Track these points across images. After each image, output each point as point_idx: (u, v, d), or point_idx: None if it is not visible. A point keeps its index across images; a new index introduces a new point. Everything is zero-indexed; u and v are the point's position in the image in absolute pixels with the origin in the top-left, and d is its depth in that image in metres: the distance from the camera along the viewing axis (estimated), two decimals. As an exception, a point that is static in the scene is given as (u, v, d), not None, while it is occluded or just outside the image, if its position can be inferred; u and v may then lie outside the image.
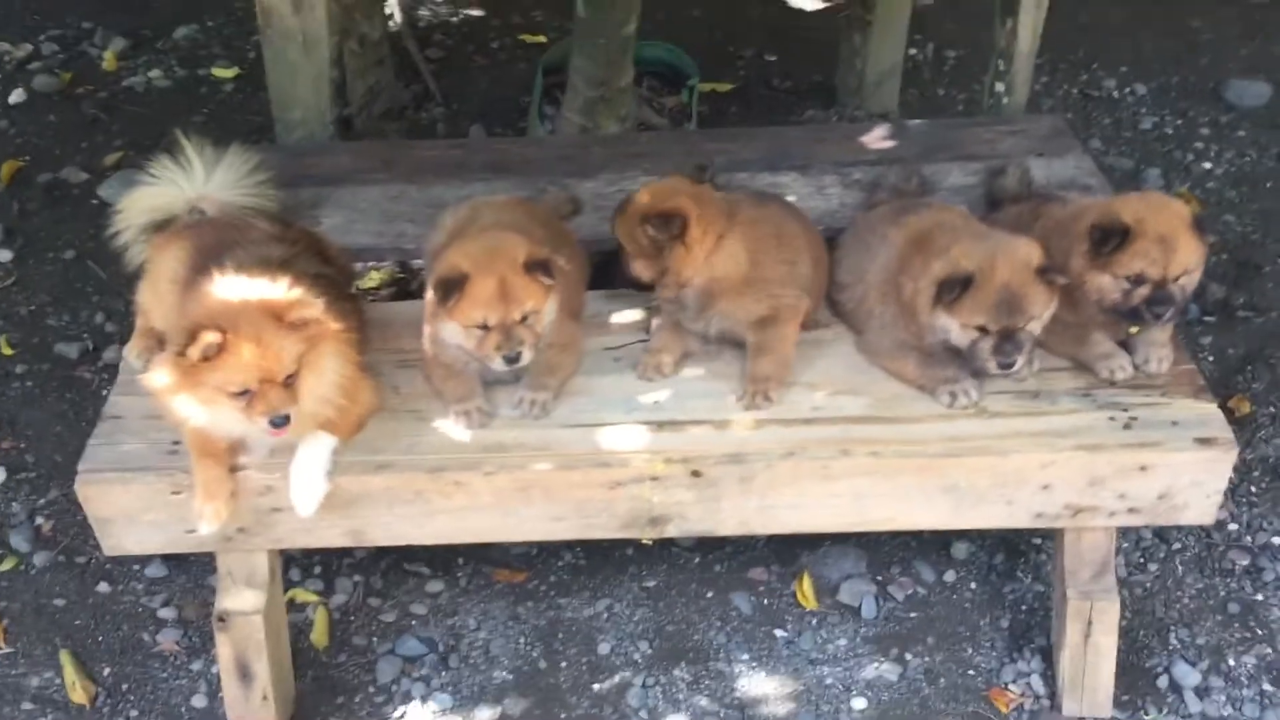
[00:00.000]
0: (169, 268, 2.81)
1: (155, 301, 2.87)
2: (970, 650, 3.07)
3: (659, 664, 3.05)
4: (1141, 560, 3.28)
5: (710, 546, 3.30)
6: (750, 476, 2.68)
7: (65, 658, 3.05)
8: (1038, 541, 3.30)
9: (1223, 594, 3.20)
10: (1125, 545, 3.28)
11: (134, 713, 2.96)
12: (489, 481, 2.67)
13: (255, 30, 4.16)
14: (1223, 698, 2.97)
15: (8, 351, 3.87)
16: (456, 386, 2.76)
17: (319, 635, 3.10)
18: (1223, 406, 2.80)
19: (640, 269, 2.88)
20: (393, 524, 2.73)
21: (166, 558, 3.24)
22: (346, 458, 2.65)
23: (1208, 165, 4.63)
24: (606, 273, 3.13)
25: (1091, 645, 2.84)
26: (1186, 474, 2.69)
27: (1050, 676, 2.98)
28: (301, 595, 3.18)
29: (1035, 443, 2.68)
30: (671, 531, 2.78)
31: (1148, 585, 3.22)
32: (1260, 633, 3.11)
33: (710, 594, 3.21)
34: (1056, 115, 4.18)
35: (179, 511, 2.65)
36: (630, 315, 3.04)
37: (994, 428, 2.72)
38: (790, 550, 3.28)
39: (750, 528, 2.82)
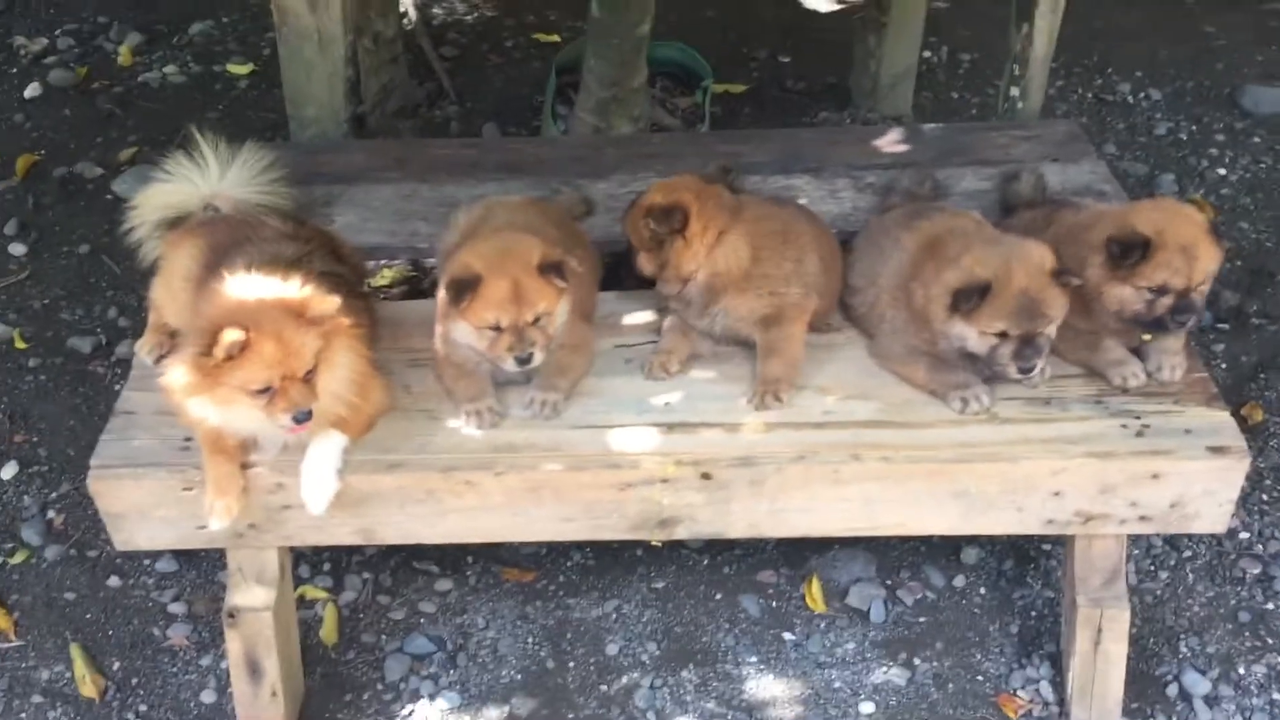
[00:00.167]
0: (183, 265, 2.82)
1: (168, 298, 2.88)
2: (979, 656, 3.07)
3: (667, 665, 3.05)
4: (1152, 568, 3.27)
5: (719, 549, 3.30)
6: (761, 480, 2.68)
7: (75, 651, 3.06)
8: (1047, 547, 3.29)
9: (1233, 602, 3.19)
10: (1136, 552, 3.27)
11: (143, 707, 2.97)
12: (500, 481, 2.67)
13: (270, 27, 4.17)
14: (1233, 706, 2.96)
15: (21, 345, 3.89)
16: (468, 386, 2.76)
17: (328, 632, 3.11)
18: (1235, 414, 2.80)
19: (643, 262, 2.91)
20: (403, 523, 2.73)
21: (177, 553, 3.25)
22: (358, 456, 2.66)
23: (1222, 171, 4.61)
24: (618, 274, 3.13)
25: (1101, 652, 2.83)
26: (1199, 482, 2.68)
27: (1059, 683, 2.98)
28: (311, 592, 3.18)
29: (1046, 449, 2.68)
30: (681, 533, 2.78)
31: (1158, 593, 3.21)
32: (1271, 641, 3.10)
33: (719, 596, 3.21)
34: (1071, 120, 4.17)
35: (190, 507, 2.66)
36: (642, 316, 3.04)
37: (1005, 434, 2.71)
38: (799, 553, 3.28)
39: (760, 531, 2.82)
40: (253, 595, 2.77)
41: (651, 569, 3.26)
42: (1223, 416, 2.74)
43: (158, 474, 2.65)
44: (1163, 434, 2.70)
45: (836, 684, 3.01)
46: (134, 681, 3.02)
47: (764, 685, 3.01)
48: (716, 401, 2.79)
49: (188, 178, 3.03)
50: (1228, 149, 4.72)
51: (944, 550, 3.29)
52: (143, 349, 2.93)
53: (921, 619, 3.15)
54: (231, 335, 2.35)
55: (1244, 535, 3.34)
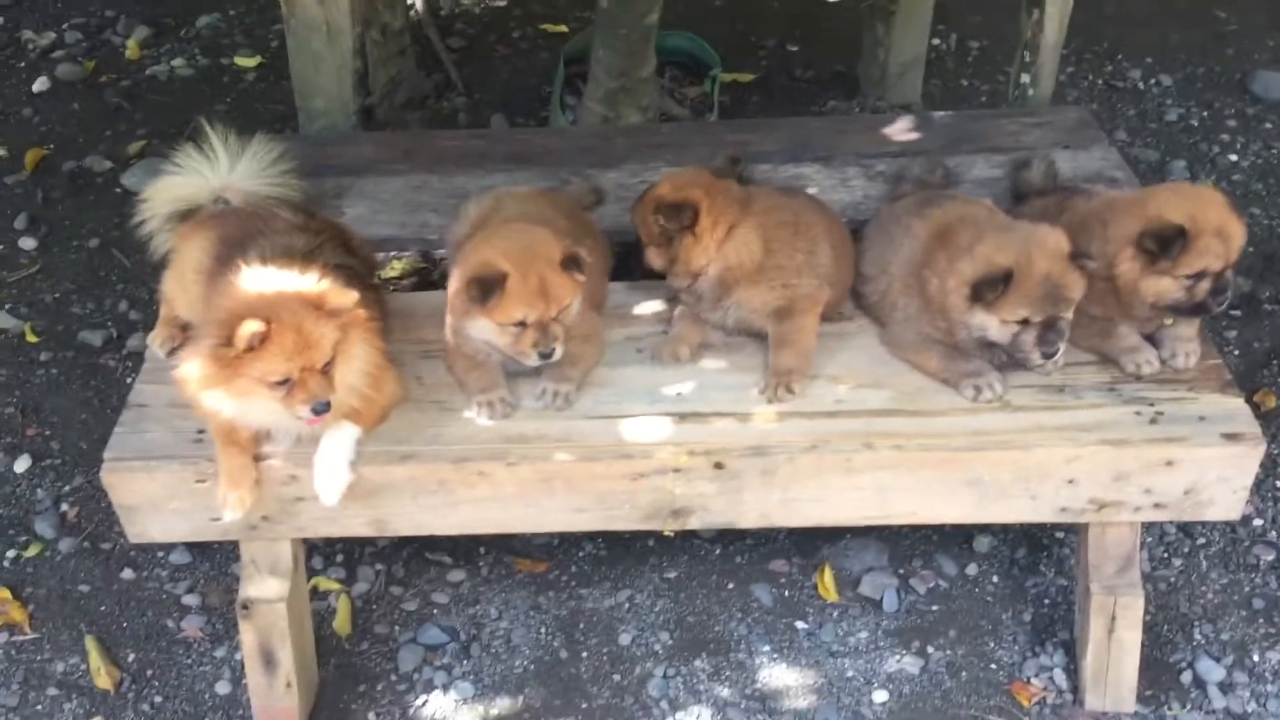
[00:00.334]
0: (194, 257, 2.82)
1: (180, 291, 2.88)
2: (992, 644, 3.06)
3: (680, 655, 3.05)
4: (1166, 555, 3.26)
5: (731, 538, 3.30)
6: (773, 469, 2.68)
7: (90, 643, 3.08)
8: (1060, 535, 3.29)
9: (1247, 589, 3.18)
10: (1149, 540, 3.27)
11: (158, 698, 2.98)
12: (512, 472, 2.67)
13: (277, 19, 4.17)
14: (1247, 693, 2.95)
15: (32, 339, 3.90)
16: (479, 377, 2.76)
17: (341, 623, 3.12)
18: (1248, 401, 2.78)
19: (653, 257, 2.91)
20: (416, 514, 2.73)
21: (190, 545, 3.26)
22: (370, 447, 2.66)
23: (1233, 158, 4.59)
24: (628, 264, 3.13)
25: (1115, 640, 2.82)
26: (1213, 469, 2.67)
27: (1073, 671, 2.97)
28: (324, 584, 3.19)
29: (1060, 437, 2.67)
30: (693, 523, 2.78)
31: (1172, 580, 3.21)
32: (1285, 629, 3.10)
33: (731, 585, 3.21)
34: (1082, 107, 4.15)
35: (203, 499, 2.66)
36: (653, 306, 3.03)
37: (1018, 421, 2.70)
38: (811, 542, 3.28)
39: (772, 520, 2.82)
40: (267, 587, 2.77)
41: (664, 559, 3.26)
42: (1237, 403, 2.73)
43: (171, 466, 2.66)
44: (1177, 421, 2.69)
45: (849, 673, 3.01)
46: (149, 673, 3.04)
47: (777, 674, 3.01)
48: (728, 391, 2.79)
49: (198, 170, 3.03)
50: (1239, 135, 4.70)
51: (956, 539, 3.28)
52: (155, 341, 2.93)
53: (934, 607, 3.15)
54: (252, 326, 2.34)
55: (1258, 522, 3.33)
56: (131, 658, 3.07)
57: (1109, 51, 5.13)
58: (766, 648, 3.06)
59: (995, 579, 3.21)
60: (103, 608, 3.18)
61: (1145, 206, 2.73)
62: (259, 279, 2.48)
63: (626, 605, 3.16)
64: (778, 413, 2.73)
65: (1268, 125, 4.74)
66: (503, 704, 2.96)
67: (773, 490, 2.71)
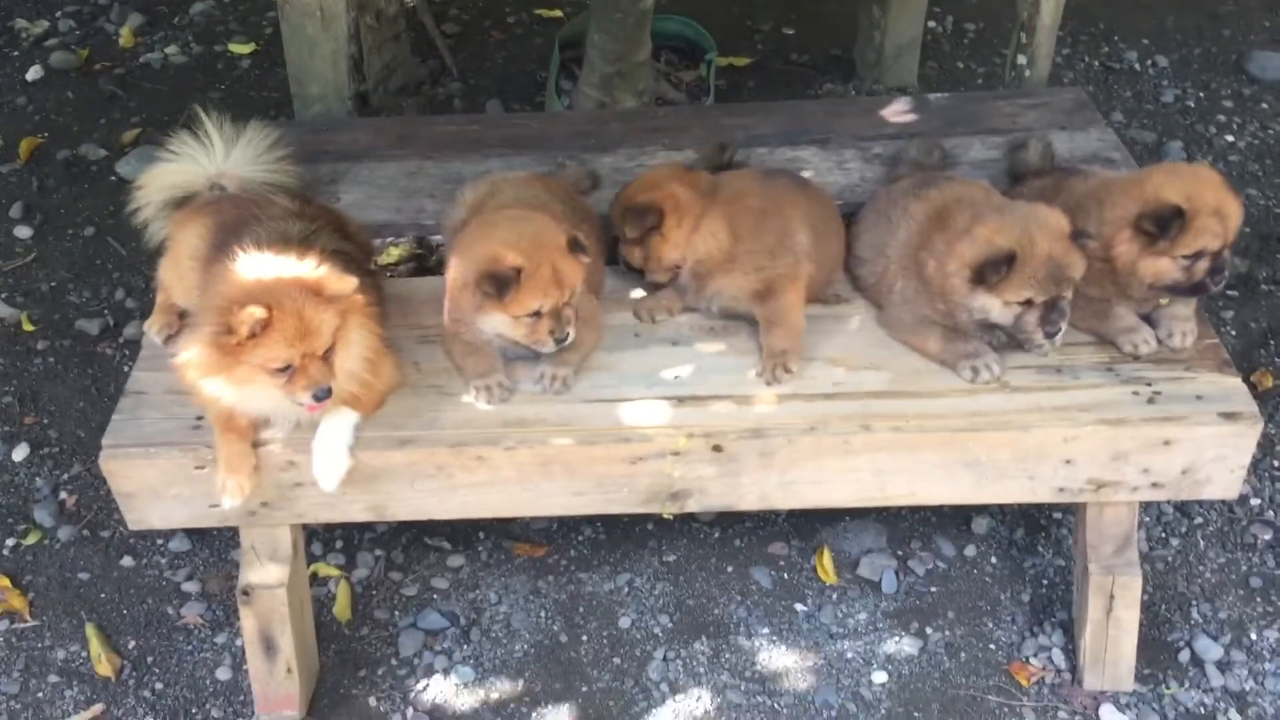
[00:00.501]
0: (190, 244, 2.81)
1: (176, 278, 2.87)
2: (991, 624, 3.07)
3: (679, 638, 3.06)
4: (1163, 535, 3.27)
5: (730, 521, 3.30)
6: (771, 451, 2.68)
7: (91, 631, 3.08)
8: (1058, 516, 3.29)
9: (1245, 569, 3.19)
10: (1147, 520, 3.27)
11: (159, 685, 2.99)
12: (510, 456, 2.67)
13: (271, 6, 4.16)
14: (1244, 672, 2.97)
15: (29, 328, 3.89)
16: (477, 362, 2.76)
17: (341, 609, 3.12)
18: (1245, 381, 2.78)
19: (630, 257, 2.97)
20: (414, 499, 2.74)
21: (189, 532, 3.26)
22: (368, 433, 2.66)
23: (1230, 138, 4.59)
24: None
25: (1113, 620, 2.83)
26: (1210, 448, 2.67)
27: (1071, 651, 2.98)
28: (324, 570, 3.20)
29: (1058, 417, 2.67)
30: (692, 506, 2.78)
31: (1169, 560, 3.21)
32: (1282, 607, 3.11)
33: (730, 568, 3.21)
34: (1078, 88, 4.14)
35: (202, 486, 2.67)
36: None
37: (1016, 402, 2.71)
38: (810, 525, 3.28)
39: (771, 503, 2.82)
40: (266, 573, 2.78)
41: (663, 542, 3.27)
42: (1234, 382, 2.73)
43: (170, 453, 2.66)
44: (1174, 400, 2.69)
45: (849, 654, 3.02)
46: (149, 660, 3.04)
47: (776, 656, 3.02)
48: (726, 374, 2.79)
49: (193, 157, 3.02)
50: (1235, 115, 4.69)
51: (954, 520, 3.29)
52: (151, 328, 2.93)
53: (933, 589, 3.16)
54: (256, 313, 2.34)
55: (1255, 501, 3.34)
56: (132, 645, 3.07)
57: (1105, 33, 5.12)
58: (766, 630, 3.07)
59: (994, 560, 3.22)
60: (102, 595, 3.18)
61: (1142, 187, 2.72)
62: (257, 265, 2.48)
63: (626, 589, 3.17)
64: (776, 395, 2.73)
65: (1264, 105, 4.74)
66: (503, 687, 2.97)
67: (771, 472, 2.71)
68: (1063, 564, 3.19)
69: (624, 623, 3.09)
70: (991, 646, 3.03)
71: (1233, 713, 2.89)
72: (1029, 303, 2.64)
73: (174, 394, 2.68)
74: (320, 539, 3.27)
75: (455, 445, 2.67)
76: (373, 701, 2.94)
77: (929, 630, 3.06)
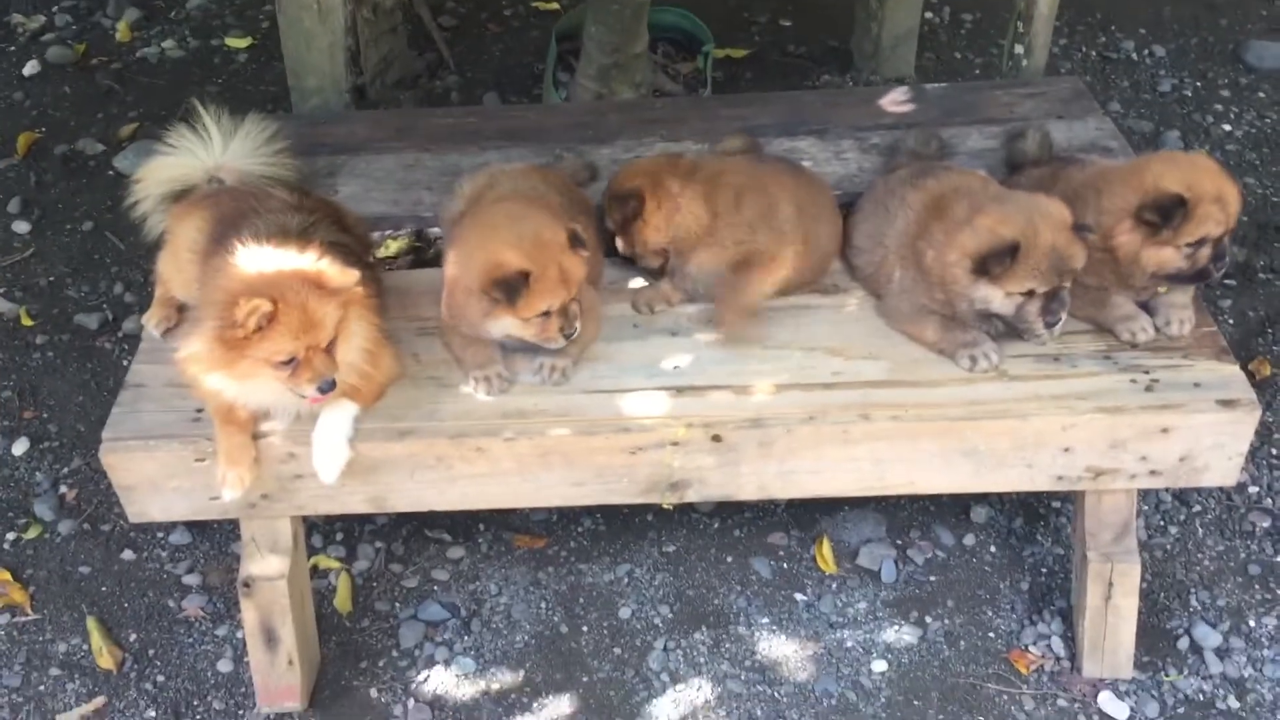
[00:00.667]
0: (189, 237, 2.81)
1: (175, 271, 2.87)
2: (990, 613, 3.08)
3: (680, 628, 3.07)
4: (1162, 523, 3.28)
5: (729, 511, 3.31)
6: (770, 441, 2.68)
7: (92, 624, 3.08)
8: (1057, 504, 3.30)
9: (1243, 556, 3.20)
10: (1145, 508, 3.28)
11: (160, 677, 3.00)
12: (510, 447, 2.68)
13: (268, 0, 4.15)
14: (1243, 659, 2.97)
15: (28, 322, 3.89)
16: (476, 353, 2.76)
17: (342, 601, 3.13)
18: (1243, 369, 2.79)
19: (620, 245, 3.00)
20: (414, 490, 2.74)
21: (190, 525, 3.27)
22: (368, 424, 2.66)
23: (1227, 127, 4.59)
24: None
25: (1112, 607, 2.84)
26: (1208, 436, 2.68)
27: (1070, 638, 2.99)
28: (324, 562, 3.20)
29: (1056, 405, 2.68)
30: (691, 496, 2.79)
31: (1168, 547, 3.22)
32: (1280, 594, 3.12)
33: (730, 559, 3.22)
34: (1075, 78, 4.13)
35: (203, 478, 2.67)
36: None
37: (1014, 391, 2.71)
38: (809, 515, 3.29)
39: (770, 493, 2.82)
40: (267, 565, 2.78)
41: (662, 533, 3.27)
42: (1232, 370, 2.74)
43: (170, 445, 2.66)
44: (1172, 388, 2.70)
45: (849, 643, 3.02)
46: (151, 653, 3.05)
47: (776, 646, 3.02)
48: (725, 364, 2.79)
49: (191, 151, 3.02)
50: (1232, 105, 4.69)
51: (953, 509, 3.30)
52: (150, 322, 2.93)
53: (932, 578, 3.16)
54: (261, 306, 2.34)
55: (1253, 489, 3.35)
56: (133, 638, 3.08)
57: (1102, 23, 5.12)
58: (765, 620, 3.08)
59: (993, 549, 3.23)
60: (103, 588, 3.19)
61: (1141, 177, 2.72)
62: (259, 259, 2.47)
63: (626, 579, 3.18)
64: (775, 385, 2.74)
65: (1261, 94, 4.74)
66: (504, 678, 2.97)
67: (770, 462, 2.71)
68: (1061, 552, 3.19)
69: (624, 613, 3.10)
70: (991, 635, 3.04)
71: (1231, 699, 2.90)
72: (1031, 293, 2.64)
73: (173, 387, 2.68)
74: (321, 531, 3.28)
75: (455, 436, 2.67)
76: (374, 693, 2.95)
77: (928, 619, 3.07)
